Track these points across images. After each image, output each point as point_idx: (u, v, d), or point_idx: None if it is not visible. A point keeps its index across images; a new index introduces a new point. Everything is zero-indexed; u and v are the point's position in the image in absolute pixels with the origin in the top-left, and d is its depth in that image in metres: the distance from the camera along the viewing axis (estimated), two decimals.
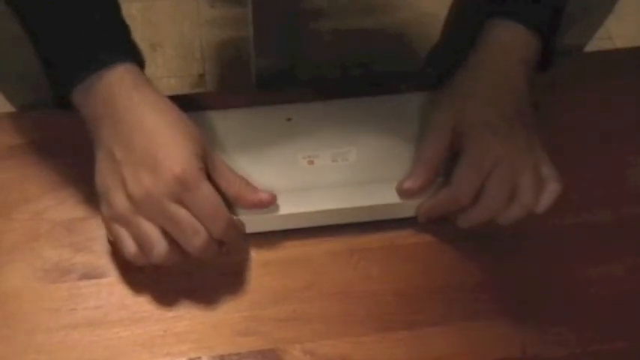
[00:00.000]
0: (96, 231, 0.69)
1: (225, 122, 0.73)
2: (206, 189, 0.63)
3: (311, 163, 0.71)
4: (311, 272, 0.68)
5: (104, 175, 0.64)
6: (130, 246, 0.63)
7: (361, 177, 0.70)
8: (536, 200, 0.67)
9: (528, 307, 0.67)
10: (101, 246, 0.68)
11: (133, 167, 0.62)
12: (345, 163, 0.71)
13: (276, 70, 0.87)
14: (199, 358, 0.64)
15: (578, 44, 0.90)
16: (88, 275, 0.67)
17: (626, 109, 0.80)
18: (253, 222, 0.68)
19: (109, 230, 0.65)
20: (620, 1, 0.85)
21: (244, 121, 0.74)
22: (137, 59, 0.65)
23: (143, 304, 0.66)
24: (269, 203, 0.67)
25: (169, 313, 0.65)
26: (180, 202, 0.62)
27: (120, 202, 0.62)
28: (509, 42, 0.71)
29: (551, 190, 0.68)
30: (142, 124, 0.63)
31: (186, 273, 0.67)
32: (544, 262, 0.69)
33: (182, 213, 0.62)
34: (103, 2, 0.66)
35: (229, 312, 0.66)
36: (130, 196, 0.62)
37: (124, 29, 0.66)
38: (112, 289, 0.67)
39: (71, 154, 0.73)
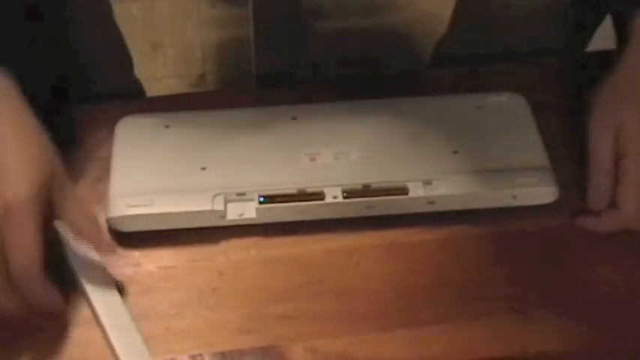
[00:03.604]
0: None
1: (230, 120, 0.74)
2: (30, 235, 0.55)
3: (313, 160, 0.71)
4: (311, 270, 0.68)
5: None
6: None
7: (361, 174, 0.70)
8: None
9: (529, 304, 0.67)
10: None
11: None
12: (346, 161, 0.71)
13: (277, 69, 0.87)
14: (200, 355, 0.64)
15: None
16: None
17: None
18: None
19: None
20: None
21: (249, 120, 0.74)
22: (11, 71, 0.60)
23: (144, 301, 0.66)
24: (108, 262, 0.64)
25: (171, 311, 0.66)
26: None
27: None
28: None
29: None
30: None
31: (187, 271, 0.67)
32: (544, 261, 0.70)
33: None
34: None
35: (230, 309, 0.66)
36: None
37: None
38: None
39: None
